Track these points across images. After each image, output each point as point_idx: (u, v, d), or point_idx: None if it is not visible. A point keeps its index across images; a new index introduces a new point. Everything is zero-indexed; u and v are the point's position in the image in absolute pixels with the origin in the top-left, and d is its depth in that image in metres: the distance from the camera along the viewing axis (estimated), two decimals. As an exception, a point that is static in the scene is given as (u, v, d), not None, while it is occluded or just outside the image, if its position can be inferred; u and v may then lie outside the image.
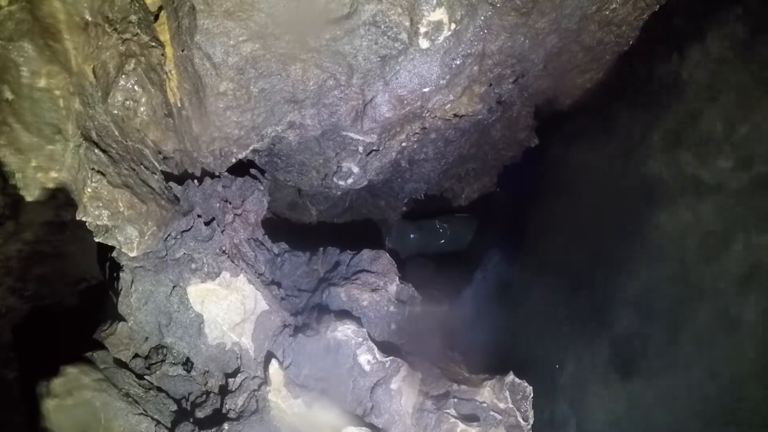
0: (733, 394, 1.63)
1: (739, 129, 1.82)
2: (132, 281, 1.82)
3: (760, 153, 1.73)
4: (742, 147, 1.79)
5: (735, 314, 1.66)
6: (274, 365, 1.82)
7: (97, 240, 1.71)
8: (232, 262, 1.91)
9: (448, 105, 2.25)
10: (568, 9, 2.19)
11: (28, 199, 1.68)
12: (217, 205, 1.99)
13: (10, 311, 2.32)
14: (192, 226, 1.88)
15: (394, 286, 2.15)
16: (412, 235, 3.39)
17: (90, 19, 1.58)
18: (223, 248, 1.91)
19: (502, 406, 1.83)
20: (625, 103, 2.48)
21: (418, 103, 2.13)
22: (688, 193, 1.95)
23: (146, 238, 1.76)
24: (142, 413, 1.71)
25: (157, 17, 1.87)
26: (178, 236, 1.86)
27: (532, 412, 1.84)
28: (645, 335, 1.98)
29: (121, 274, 1.83)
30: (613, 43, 2.50)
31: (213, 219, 1.94)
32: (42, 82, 1.52)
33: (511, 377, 1.87)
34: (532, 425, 1.83)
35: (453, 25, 1.91)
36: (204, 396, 1.89)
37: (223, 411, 1.83)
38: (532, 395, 1.85)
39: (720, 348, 1.69)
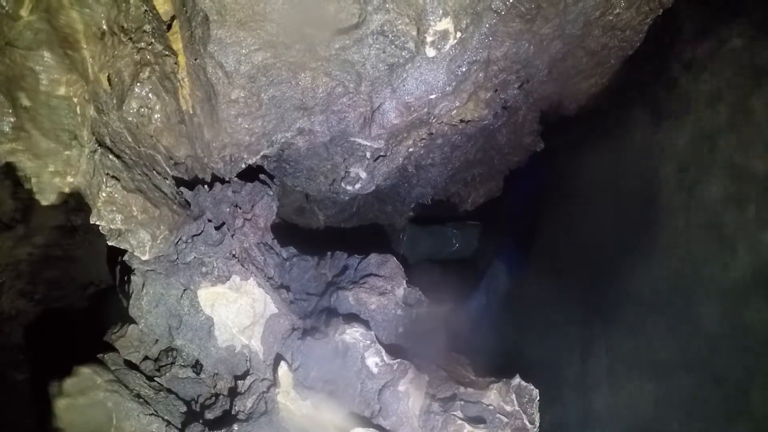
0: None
1: (742, 130, 1.83)
2: (143, 284, 1.84)
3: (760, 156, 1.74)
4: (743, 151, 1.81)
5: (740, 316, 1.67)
6: (283, 367, 1.84)
7: (109, 244, 1.74)
8: (242, 266, 1.93)
9: (455, 111, 2.27)
10: (572, 14, 2.21)
11: (44, 203, 1.70)
12: (227, 209, 2.01)
13: (20, 314, 2.35)
14: (202, 231, 1.90)
15: (401, 290, 2.17)
16: (424, 242, 3.39)
17: (106, 28, 1.61)
18: (233, 252, 1.93)
19: (508, 408, 1.84)
20: (629, 107, 2.50)
21: (425, 110, 2.15)
22: (692, 196, 1.97)
23: (158, 242, 1.79)
24: (153, 414, 1.73)
25: (170, 26, 1.90)
26: (189, 240, 1.88)
27: (538, 415, 1.85)
28: (649, 335, 1.99)
29: (132, 277, 1.86)
30: (617, 48, 2.51)
31: (223, 223, 1.96)
32: (62, 90, 1.55)
33: (517, 380, 1.88)
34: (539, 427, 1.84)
35: (459, 34, 1.93)
36: (213, 398, 1.91)
37: (233, 412, 1.85)
38: (538, 398, 1.86)
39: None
